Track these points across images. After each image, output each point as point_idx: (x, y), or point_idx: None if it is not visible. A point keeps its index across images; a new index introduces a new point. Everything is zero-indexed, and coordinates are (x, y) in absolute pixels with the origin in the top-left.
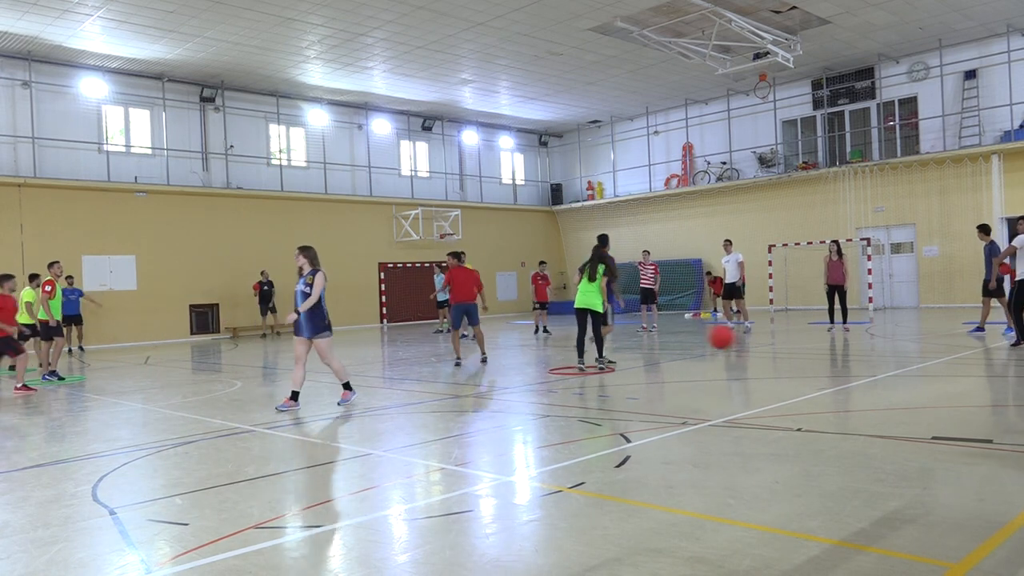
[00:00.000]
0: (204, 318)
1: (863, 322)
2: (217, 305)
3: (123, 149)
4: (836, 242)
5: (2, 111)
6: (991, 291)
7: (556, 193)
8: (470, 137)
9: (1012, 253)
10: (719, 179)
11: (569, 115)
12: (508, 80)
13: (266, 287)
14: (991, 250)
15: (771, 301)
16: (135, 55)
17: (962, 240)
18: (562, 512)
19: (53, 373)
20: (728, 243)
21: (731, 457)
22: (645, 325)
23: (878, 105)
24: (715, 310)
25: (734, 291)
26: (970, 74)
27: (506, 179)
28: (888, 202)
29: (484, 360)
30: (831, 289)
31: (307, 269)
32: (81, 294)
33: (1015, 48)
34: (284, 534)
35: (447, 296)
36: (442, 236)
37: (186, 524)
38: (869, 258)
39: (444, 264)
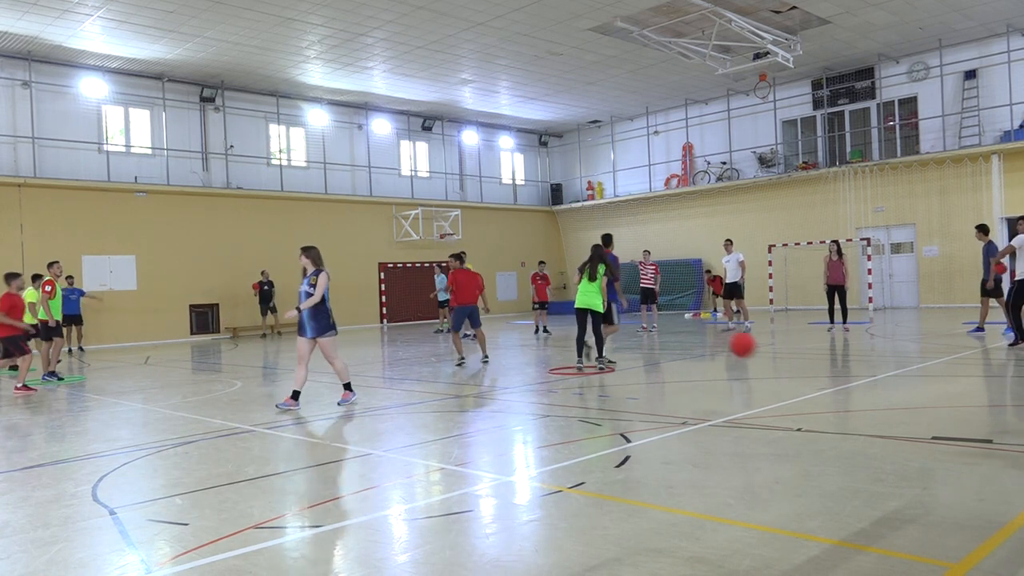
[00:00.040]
0: (204, 318)
1: (863, 322)
2: (217, 305)
3: (123, 149)
4: (836, 242)
5: (2, 111)
6: (989, 291)
7: (556, 193)
8: (470, 137)
9: (1010, 253)
10: (719, 179)
11: (569, 115)
12: (508, 80)
13: (266, 287)
14: (989, 250)
15: (771, 301)
16: (135, 55)
17: (962, 240)
18: (562, 512)
19: (52, 374)
20: (729, 243)
21: (731, 457)
22: (645, 325)
23: (878, 105)
24: (715, 310)
25: (735, 291)
26: (970, 74)
27: (506, 179)
28: (888, 202)
29: (485, 360)
30: (831, 289)
31: (311, 269)
32: (82, 293)
33: (1015, 48)
34: (284, 534)
35: (447, 296)
36: (442, 236)
37: (186, 524)
38: (869, 258)
39: (445, 264)
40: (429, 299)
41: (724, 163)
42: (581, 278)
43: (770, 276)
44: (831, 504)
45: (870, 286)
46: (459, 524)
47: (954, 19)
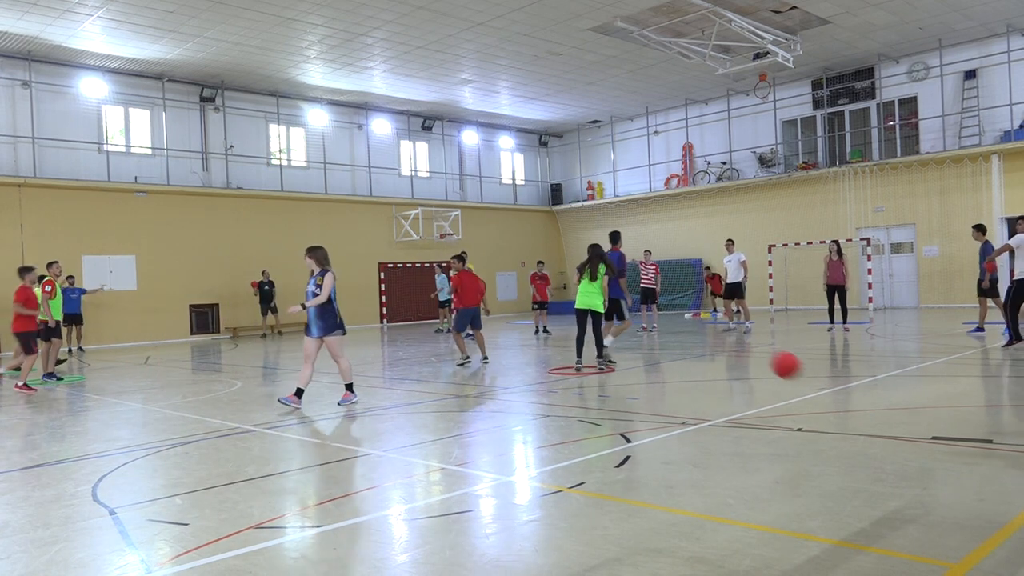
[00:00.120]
0: (204, 318)
1: (863, 322)
2: (217, 305)
3: (123, 149)
4: (836, 242)
5: (2, 111)
6: (985, 291)
7: (556, 193)
8: (470, 137)
9: (1006, 251)
10: (719, 179)
11: (569, 115)
12: (508, 80)
13: (267, 287)
14: (985, 250)
15: (771, 301)
16: (135, 55)
17: (962, 240)
18: (562, 512)
19: (51, 375)
20: (730, 243)
21: (731, 457)
22: (645, 325)
23: (878, 105)
24: (715, 310)
25: (735, 291)
26: (970, 74)
27: (506, 179)
28: (888, 202)
29: (485, 361)
30: (831, 289)
31: (316, 270)
32: (83, 292)
33: (1015, 48)
34: (284, 534)
35: (448, 296)
36: (442, 236)
37: (186, 524)
38: (869, 258)
39: (446, 264)
40: (430, 299)
41: (724, 163)
42: (581, 278)
43: (770, 276)
44: (831, 504)
45: (870, 286)
46: (459, 524)
47: (954, 19)
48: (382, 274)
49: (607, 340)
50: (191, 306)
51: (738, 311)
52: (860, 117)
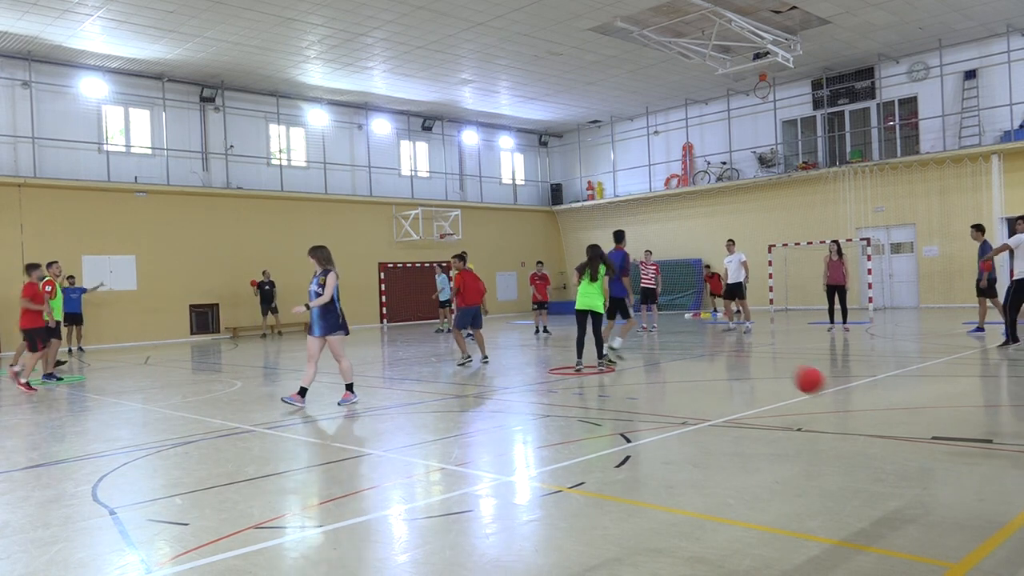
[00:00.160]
0: (204, 318)
1: (863, 322)
2: (217, 305)
3: (123, 149)
4: (836, 242)
5: (2, 111)
6: (983, 291)
7: (556, 193)
8: (470, 137)
9: (1005, 251)
10: (719, 179)
11: (569, 115)
12: (508, 80)
13: (267, 287)
14: (984, 249)
15: (771, 301)
16: (135, 55)
17: (962, 240)
18: (562, 512)
19: (50, 375)
20: (731, 243)
21: (731, 457)
22: (645, 325)
23: (878, 105)
24: (715, 310)
25: (736, 291)
26: (970, 74)
27: (506, 179)
28: (888, 202)
29: (485, 361)
30: (831, 289)
31: (318, 270)
32: (83, 291)
33: (1015, 48)
34: (284, 534)
35: (448, 296)
36: (442, 236)
37: (186, 524)
38: (869, 258)
39: (446, 264)
40: (432, 300)
41: (724, 163)
42: (580, 279)
43: (770, 276)
44: (831, 504)
45: (870, 286)
46: (459, 524)
47: (954, 19)
48: (382, 274)
49: (616, 342)
50: (191, 306)
51: (738, 311)
52: (860, 117)
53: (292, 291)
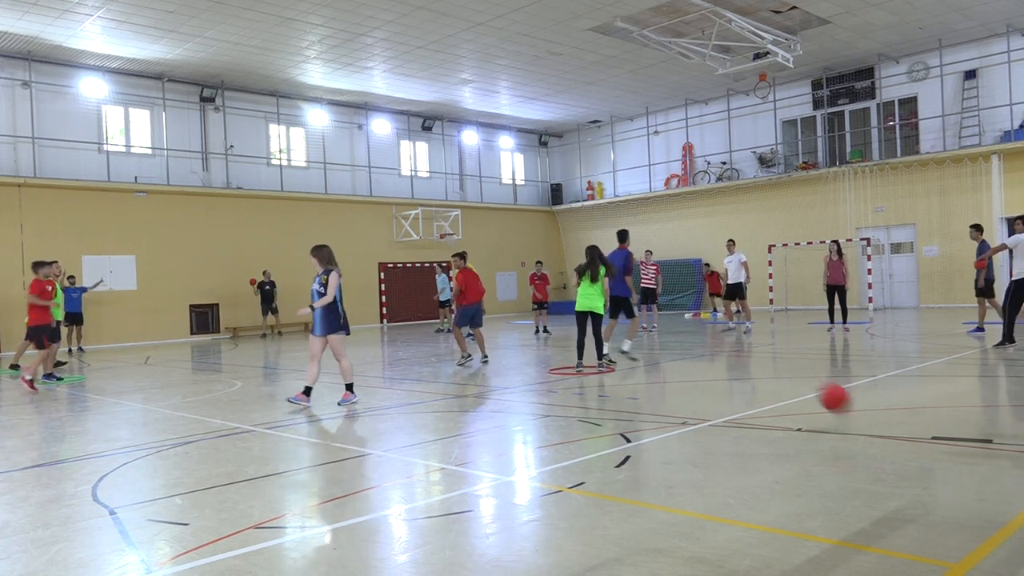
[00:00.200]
0: (204, 318)
1: (863, 322)
2: (217, 305)
3: (123, 149)
4: (836, 242)
5: (2, 111)
6: (980, 291)
7: (556, 193)
8: (470, 137)
9: (1001, 251)
10: (719, 179)
11: (569, 115)
12: (508, 80)
13: (268, 287)
14: (982, 249)
15: (771, 301)
16: (135, 55)
17: (962, 240)
18: (562, 512)
19: (51, 375)
20: (731, 243)
21: (731, 457)
22: (645, 325)
23: (878, 105)
24: (714, 310)
25: (736, 291)
26: (970, 74)
27: (506, 179)
28: (888, 202)
29: (485, 360)
30: (831, 289)
31: (320, 269)
32: (83, 290)
33: (1015, 48)
34: (284, 534)
35: (449, 296)
36: (442, 236)
37: (186, 524)
38: (869, 258)
39: (446, 264)
40: (433, 301)
41: (724, 163)
42: (580, 280)
43: (770, 276)
44: (831, 504)
45: (870, 286)
46: (459, 524)
47: (954, 19)
48: (382, 274)
49: (626, 345)
50: (191, 306)
51: (739, 311)
52: (860, 117)
53: (292, 291)
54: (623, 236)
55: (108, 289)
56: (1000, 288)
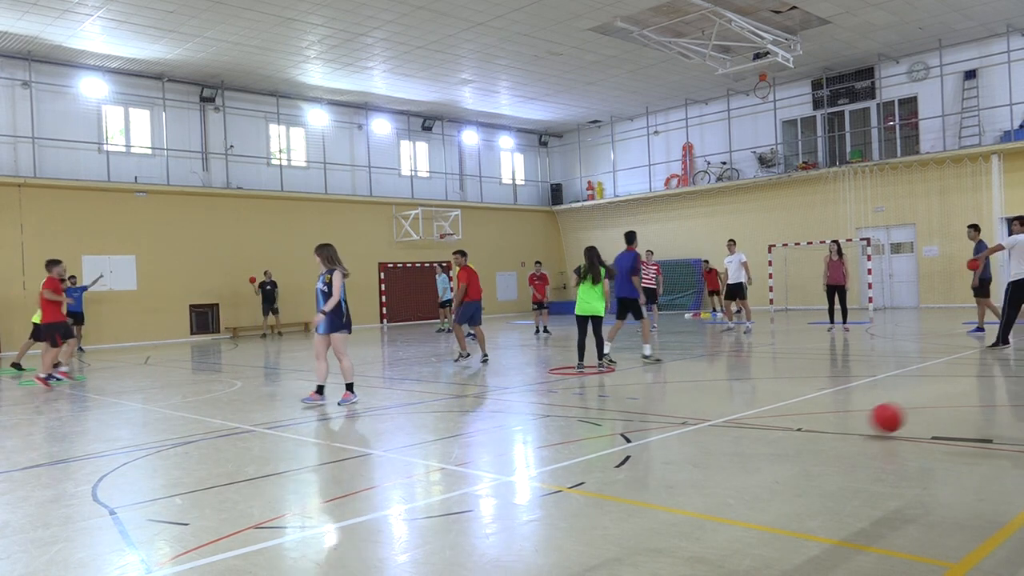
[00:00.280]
0: (204, 318)
1: (863, 322)
2: (217, 305)
3: (123, 149)
4: (836, 242)
5: (2, 111)
6: (976, 290)
7: (556, 193)
8: (470, 137)
9: (998, 251)
10: (719, 179)
11: (569, 115)
12: (508, 80)
13: (269, 287)
14: (979, 248)
15: (771, 301)
16: (135, 55)
17: (962, 240)
18: (562, 512)
19: (51, 375)
20: (732, 243)
21: (731, 457)
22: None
23: (878, 105)
24: (714, 309)
25: (737, 291)
26: (970, 74)
27: (506, 179)
28: (888, 202)
29: (485, 360)
30: (831, 289)
31: (324, 269)
32: (84, 289)
33: (1015, 48)
34: (284, 534)
35: (449, 296)
36: (442, 236)
37: (186, 524)
38: (869, 258)
39: (447, 264)
40: (434, 301)
41: (724, 163)
42: (579, 281)
43: (770, 276)
44: (831, 504)
45: (870, 286)
46: (459, 524)
47: (954, 19)
48: (382, 274)
49: (646, 350)
50: (191, 306)
51: (739, 311)
52: (860, 117)
53: (293, 291)
54: (631, 238)
55: (108, 289)
56: (998, 288)
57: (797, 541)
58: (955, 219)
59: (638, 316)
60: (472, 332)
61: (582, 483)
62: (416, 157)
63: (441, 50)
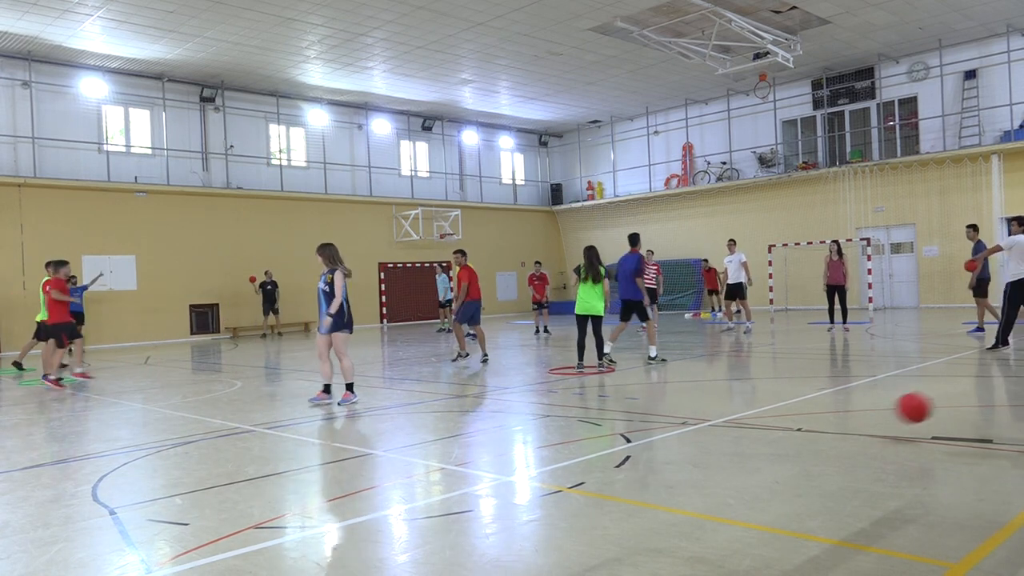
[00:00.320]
0: (204, 318)
1: (863, 322)
2: (217, 305)
3: (123, 149)
4: (836, 242)
5: (2, 111)
6: (974, 290)
7: (556, 193)
8: (470, 137)
9: (996, 252)
10: (719, 179)
11: (569, 115)
12: (508, 80)
13: (270, 287)
14: (978, 248)
15: (771, 301)
16: (135, 55)
17: (962, 240)
18: (562, 512)
19: (60, 377)
20: (732, 243)
21: (731, 457)
22: (645, 325)
23: (878, 105)
24: (713, 309)
25: (737, 291)
26: (970, 74)
27: (506, 179)
28: (888, 202)
29: (485, 360)
30: (831, 289)
31: (325, 268)
32: (84, 288)
33: (1015, 48)
34: (284, 534)
35: (450, 296)
36: (442, 236)
37: (186, 524)
38: (869, 258)
39: (447, 264)
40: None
41: (724, 163)
42: (579, 281)
43: (770, 276)
44: (831, 504)
45: (870, 286)
46: (459, 524)
47: (954, 19)
48: (382, 274)
49: (652, 351)
50: (191, 306)
51: (738, 311)
52: (860, 117)
53: (292, 291)
54: (634, 240)
55: (108, 289)
56: (996, 289)
57: (797, 541)
58: (955, 219)
59: (644, 318)
60: (472, 332)
61: (582, 483)
62: (416, 157)
63: (441, 50)
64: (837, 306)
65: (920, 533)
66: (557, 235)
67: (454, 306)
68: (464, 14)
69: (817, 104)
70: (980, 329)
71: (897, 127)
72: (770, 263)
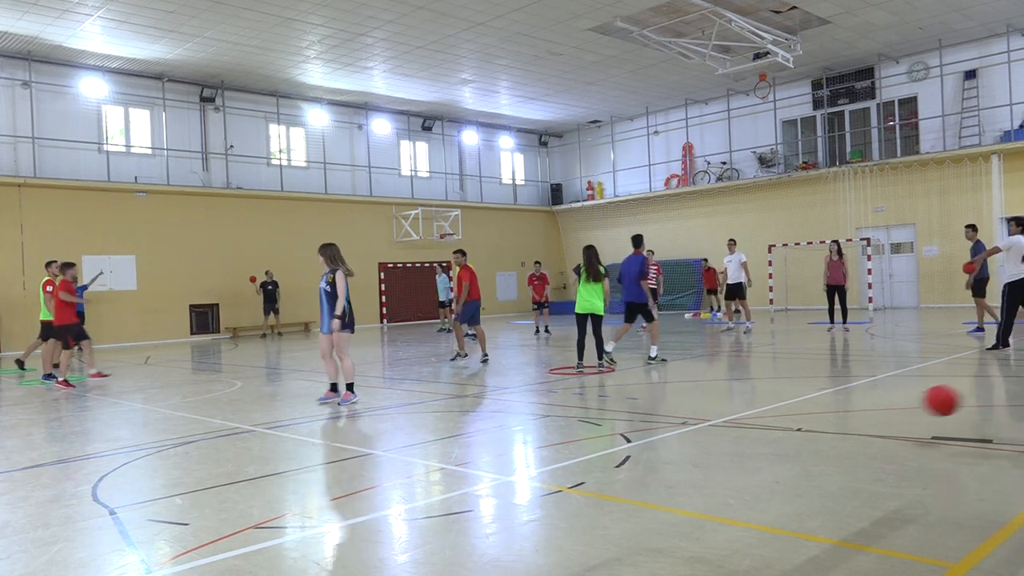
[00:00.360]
0: (204, 318)
1: (863, 322)
2: (217, 305)
3: (123, 149)
4: (836, 242)
5: (2, 111)
6: (973, 291)
7: (556, 193)
8: (470, 137)
9: (995, 253)
10: (719, 179)
11: (569, 115)
12: (508, 80)
13: (270, 287)
14: (976, 249)
15: (771, 301)
16: (135, 55)
17: (962, 240)
18: (562, 512)
19: (51, 375)
20: (732, 243)
21: (731, 457)
22: (645, 325)
23: (878, 105)
24: (713, 309)
25: (737, 291)
26: (970, 74)
27: (506, 179)
28: (888, 202)
29: (485, 360)
30: (831, 289)
31: (326, 268)
32: (84, 288)
33: (1015, 48)
34: (284, 534)
35: (450, 296)
36: (442, 236)
37: (186, 524)
38: (869, 258)
39: (447, 264)
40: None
41: (724, 163)
42: (579, 280)
43: (770, 276)
44: (831, 504)
45: (870, 286)
46: (459, 524)
47: (954, 19)
48: (382, 274)
49: (653, 351)
50: (191, 306)
51: (738, 311)
52: (860, 117)
53: (292, 291)
54: (637, 241)
55: (108, 288)
56: (995, 289)
57: (797, 541)
58: (955, 219)
59: (649, 319)
60: (472, 332)
61: (582, 483)
62: (416, 157)
63: (441, 50)
64: (837, 306)
65: (920, 533)
66: (557, 235)
67: (455, 306)
68: (464, 14)
69: (817, 104)
70: (980, 329)
71: (897, 127)
72: (770, 263)
